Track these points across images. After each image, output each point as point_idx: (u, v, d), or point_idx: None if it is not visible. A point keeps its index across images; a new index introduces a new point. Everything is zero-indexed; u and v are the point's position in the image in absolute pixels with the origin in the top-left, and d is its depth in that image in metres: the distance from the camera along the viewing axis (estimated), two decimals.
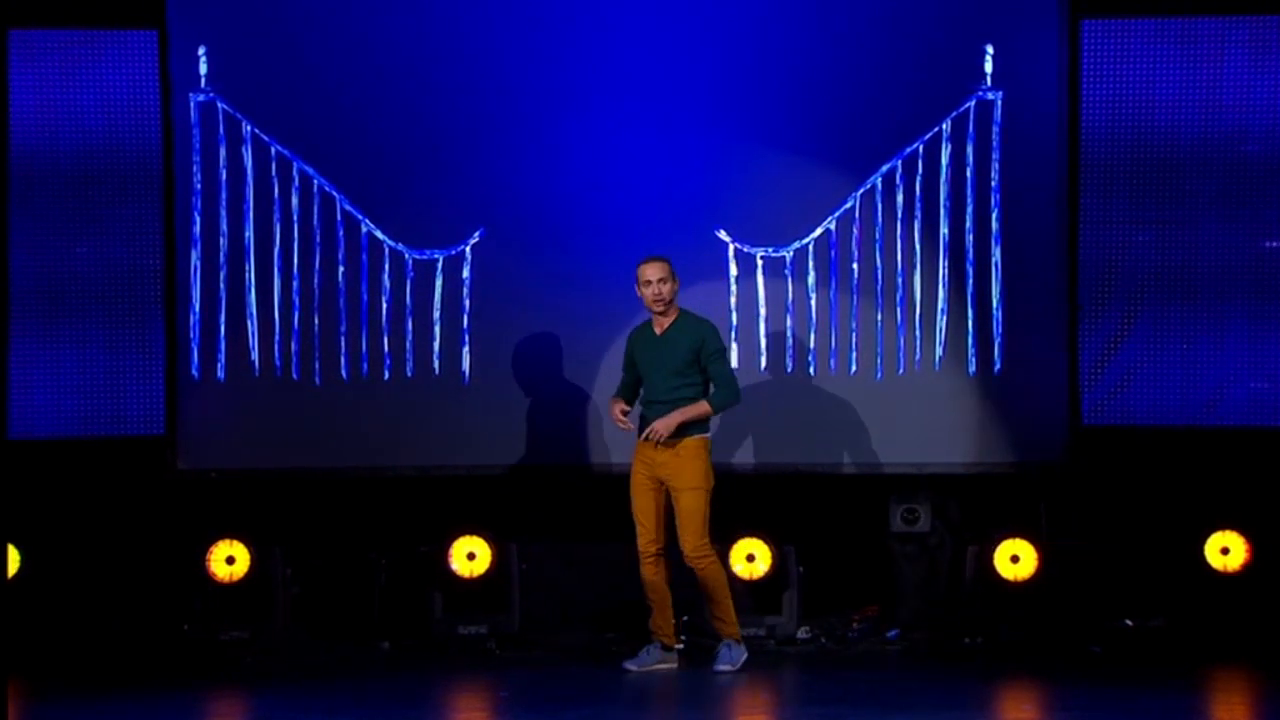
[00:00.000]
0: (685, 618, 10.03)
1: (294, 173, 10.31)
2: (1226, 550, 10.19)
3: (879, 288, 10.25)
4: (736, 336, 10.22)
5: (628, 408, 9.38)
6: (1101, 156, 10.37)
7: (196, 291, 10.34)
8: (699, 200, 10.25)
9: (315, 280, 10.34)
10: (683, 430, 9.17)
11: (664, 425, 9.13)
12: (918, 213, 10.23)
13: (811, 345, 10.25)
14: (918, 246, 10.24)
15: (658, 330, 9.29)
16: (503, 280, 10.30)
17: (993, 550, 10.15)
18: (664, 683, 9.16)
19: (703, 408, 9.19)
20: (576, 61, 10.27)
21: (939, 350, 10.25)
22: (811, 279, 10.27)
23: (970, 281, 10.22)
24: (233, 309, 10.34)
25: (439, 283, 10.32)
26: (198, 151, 10.33)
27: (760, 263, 10.25)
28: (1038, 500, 10.41)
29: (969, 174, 10.21)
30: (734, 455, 10.23)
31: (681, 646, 9.85)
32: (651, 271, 9.24)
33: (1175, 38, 10.36)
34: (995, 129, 10.20)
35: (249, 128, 10.32)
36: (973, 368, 10.24)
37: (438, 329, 10.32)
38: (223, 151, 10.33)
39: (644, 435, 9.20)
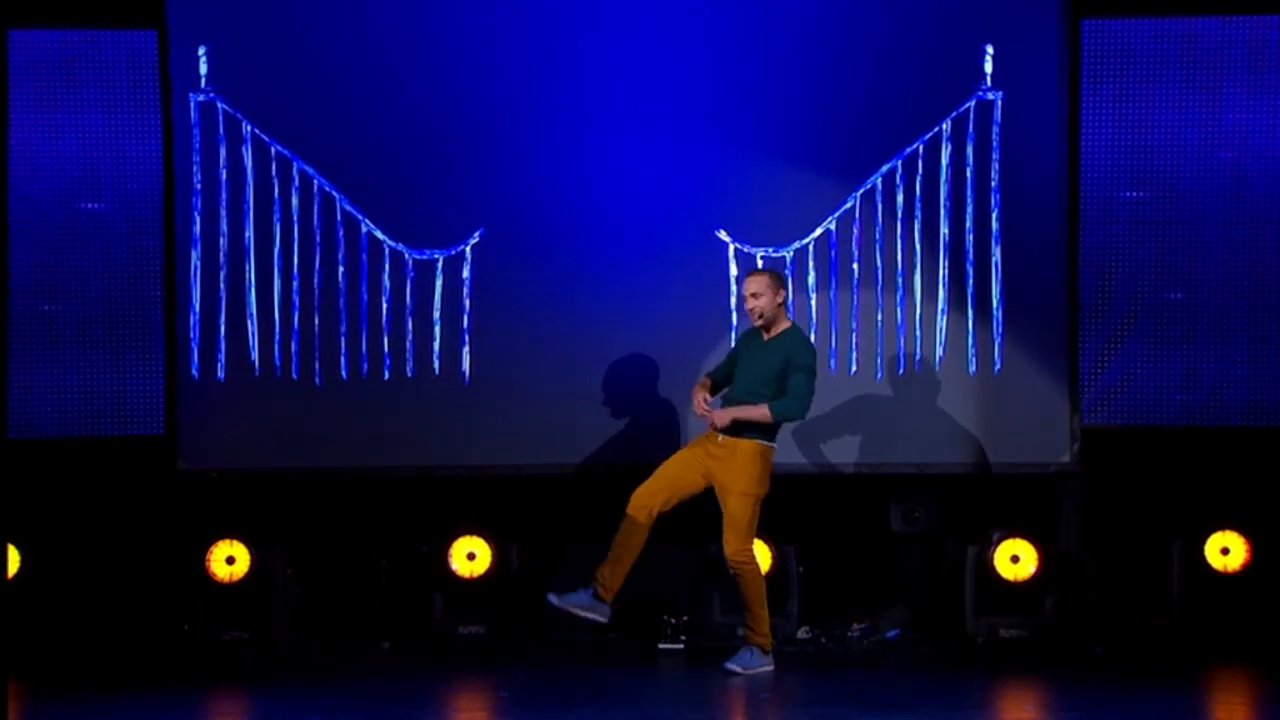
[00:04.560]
0: (685, 617, 10.04)
1: (294, 173, 10.31)
2: (1227, 550, 10.19)
3: (879, 288, 10.25)
4: (737, 336, 10.22)
5: (710, 397, 9.29)
6: (1101, 156, 10.38)
7: (197, 291, 10.34)
8: (699, 200, 10.25)
9: (315, 280, 10.34)
10: (745, 431, 9.11)
11: (720, 415, 9.09)
12: (918, 213, 10.24)
13: None
14: (918, 246, 10.25)
15: (765, 336, 9.28)
16: (503, 280, 10.30)
17: (993, 550, 10.15)
18: (665, 682, 9.16)
19: (760, 410, 9.09)
20: (577, 61, 10.27)
21: (939, 350, 10.25)
22: (812, 279, 10.27)
23: (970, 281, 10.23)
24: (233, 309, 10.34)
25: (439, 283, 10.32)
26: (198, 151, 10.33)
27: (760, 263, 10.24)
28: (1038, 500, 10.41)
29: (969, 174, 10.21)
30: None
31: (681, 646, 9.87)
32: (745, 286, 9.27)
33: (1176, 38, 10.37)
34: (995, 129, 10.20)
35: (249, 128, 10.32)
36: (973, 368, 10.24)
37: (438, 329, 10.32)
38: (223, 151, 10.34)
39: (710, 419, 9.15)
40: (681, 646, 9.90)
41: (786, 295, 9.36)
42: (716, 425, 9.11)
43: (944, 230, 10.25)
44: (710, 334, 10.22)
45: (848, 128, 10.25)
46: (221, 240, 10.35)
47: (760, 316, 9.20)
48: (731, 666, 9.22)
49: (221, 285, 10.35)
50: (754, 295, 9.20)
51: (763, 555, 10.13)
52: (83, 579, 10.45)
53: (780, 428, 9.21)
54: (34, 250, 10.47)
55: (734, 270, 10.25)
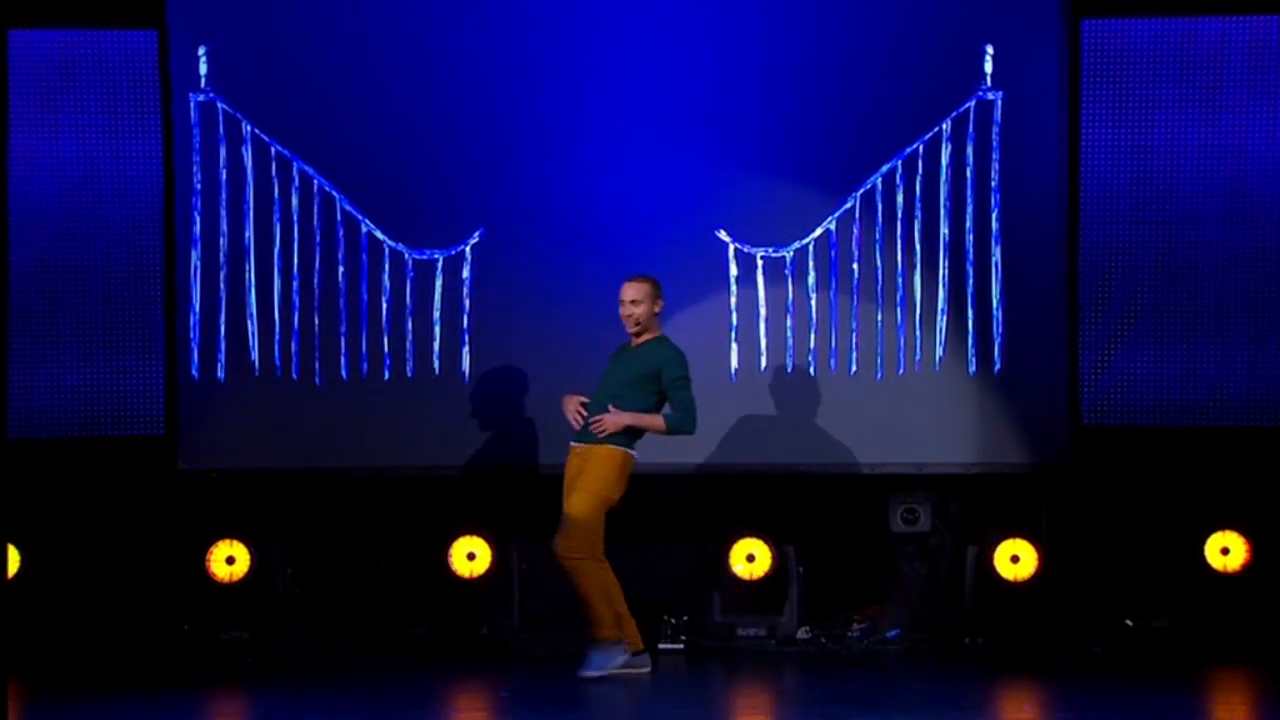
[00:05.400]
0: (685, 617, 10.04)
1: (294, 173, 10.31)
2: (1227, 550, 10.19)
3: (879, 288, 10.25)
4: (736, 336, 10.23)
5: (584, 406, 9.20)
6: (1101, 156, 10.38)
7: (196, 291, 10.34)
8: (699, 200, 10.25)
9: (315, 280, 10.34)
10: (607, 437, 9.04)
11: (613, 419, 9.01)
12: (918, 213, 10.24)
13: (812, 345, 10.25)
14: (918, 246, 10.24)
15: (632, 344, 9.24)
16: (503, 280, 10.30)
17: (993, 550, 10.16)
18: (665, 682, 9.15)
19: (657, 421, 9.05)
20: (577, 61, 10.27)
21: (939, 350, 10.25)
22: (812, 279, 10.27)
23: (970, 281, 10.23)
24: (233, 309, 10.33)
25: (439, 283, 10.32)
26: (198, 151, 10.33)
27: (760, 263, 10.25)
28: (1038, 500, 10.41)
29: (969, 174, 10.21)
30: (735, 455, 10.23)
31: (681, 646, 9.87)
32: (625, 292, 9.17)
33: (1175, 38, 10.37)
34: (995, 129, 10.20)
35: (249, 128, 10.32)
36: (973, 368, 10.24)
37: (438, 329, 10.32)
38: (223, 151, 10.33)
39: (591, 424, 9.02)
40: (681, 646, 9.90)
41: (663, 306, 9.24)
42: (604, 429, 9.01)
43: (944, 230, 10.25)
44: (710, 334, 10.22)
45: (848, 128, 10.25)
46: (221, 240, 10.35)
47: (636, 324, 9.14)
48: (583, 673, 8.97)
49: (221, 285, 10.35)
50: (633, 302, 9.13)
51: (762, 555, 10.13)
52: (83, 579, 10.44)
53: (642, 436, 9.11)
54: (34, 250, 10.47)
55: (734, 270, 10.25)
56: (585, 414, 9.12)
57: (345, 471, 10.35)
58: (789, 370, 10.26)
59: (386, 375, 10.33)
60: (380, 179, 10.33)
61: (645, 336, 9.20)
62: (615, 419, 9.02)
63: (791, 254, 10.28)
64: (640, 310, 9.14)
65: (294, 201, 10.31)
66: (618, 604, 9.06)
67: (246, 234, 10.34)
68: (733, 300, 10.24)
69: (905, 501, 10.41)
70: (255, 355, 10.34)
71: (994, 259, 10.23)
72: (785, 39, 10.23)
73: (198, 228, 10.34)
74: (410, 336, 10.32)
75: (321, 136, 10.31)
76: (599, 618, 9.03)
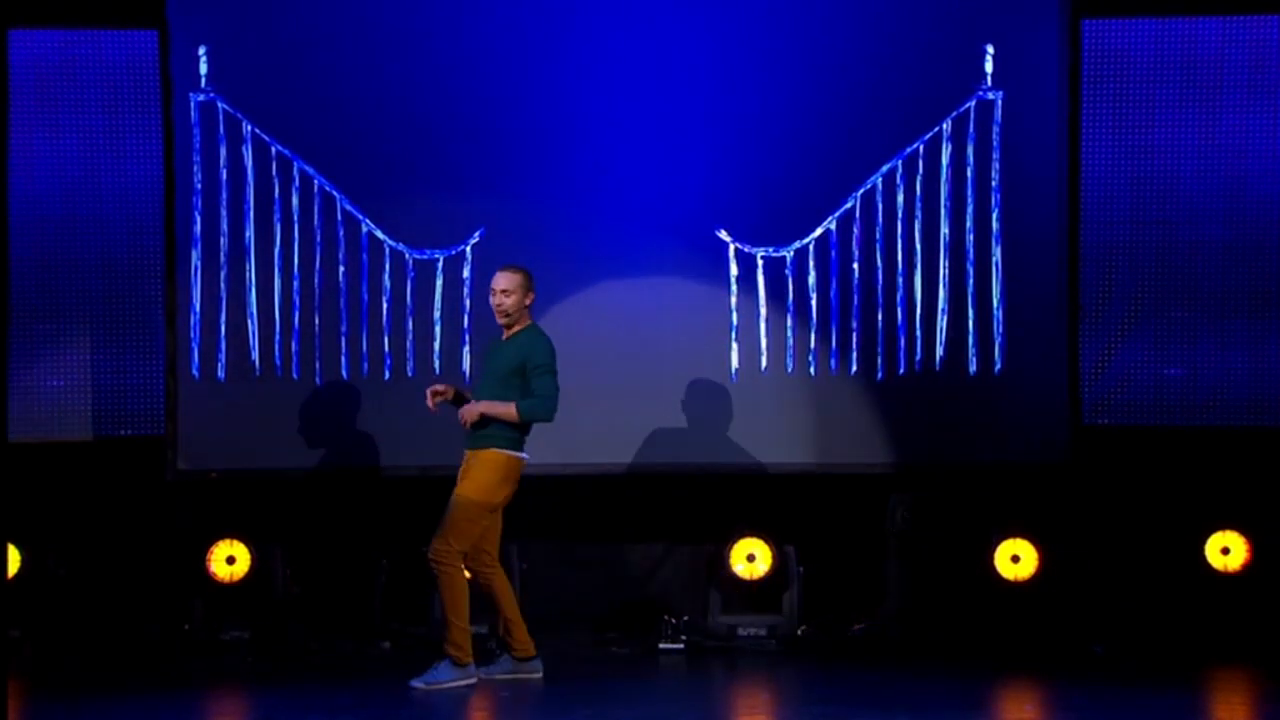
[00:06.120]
0: (685, 617, 10.04)
1: (294, 172, 10.31)
2: (1227, 550, 10.19)
3: (879, 288, 10.25)
4: (736, 336, 10.22)
5: (443, 391, 9.08)
6: (1102, 156, 10.39)
7: (197, 291, 10.33)
8: (699, 200, 10.25)
9: (316, 280, 10.34)
10: (489, 440, 8.91)
11: (469, 410, 8.88)
12: (918, 213, 10.24)
13: (812, 345, 10.25)
14: (918, 246, 10.24)
15: (504, 336, 9.10)
16: None
17: (993, 550, 10.16)
18: (665, 682, 9.15)
19: (510, 409, 8.86)
20: (577, 61, 10.27)
21: (939, 350, 10.25)
22: (812, 279, 10.27)
23: (970, 281, 10.23)
24: (233, 309, 10.33)
25: (439, 282, 10.33)
26: (198, 151, 10.33)
27: (761, 262, 10.25)
28: (1038, 500, 10.41)
29: (969, 174, 10.21)
30: (735, 455, 10.23)
31: (681, 646, 9.86)
32: (496, 281, 9.01)
33: (1176, 38, 10.38)
34: (995, 129, 10.20)
35: (249, 127, 10.32)
36: (973, 368, 10.24)
37: (438, 329, 10.33)
38: (223, 151, 10.33)
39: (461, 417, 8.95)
40: (681, 646, 9.89)
41: (534, 299, 9.08)
42: (465, 421, 8.90)
43: (944, 230, 10.25)
44: (710, 334, 10.22)
45: (848, 127, 10.24)
46: (221, 240, 10.35)
47: (505, 314, 8.99)
48: (413, 683, 8.85)
49: (221, 285, 10.35)
50: (504, 292, 8.97)
51: (763, 555, 10.13)
52: (83, 579, 10.44)
53: (528, 434, 9.01)
54: (35, 249, 10.47)
55: (734, 270, 10.25)
56: (439, 394, 9.02)
57: (345, 471, 10.35)
58: (789, 370, 10.26)
59: (386, 375, 10.33)
60: (380, 179, 10.33)
61: (515, 328, 9.03)
62: (470, 409, 8.90)
63: (791, 254, 10.28)
64: (510, 301, 8.97)
65: (294, 201, 10.31)
66: (463, 618, 8.94)
67: (246, 234, 10.34)
68: (733, 300, 10.24)
69: (905, 501, 10.41)
70: (255, 355, 10.34)
71: (994, 259, 10.23)
72: (785, 39, 10.23)
73: (198, 228, 10.34)
74: (410, 336, 10.32)
75: (321, 136, 10.31)
76: (451, 630, 8.92)
